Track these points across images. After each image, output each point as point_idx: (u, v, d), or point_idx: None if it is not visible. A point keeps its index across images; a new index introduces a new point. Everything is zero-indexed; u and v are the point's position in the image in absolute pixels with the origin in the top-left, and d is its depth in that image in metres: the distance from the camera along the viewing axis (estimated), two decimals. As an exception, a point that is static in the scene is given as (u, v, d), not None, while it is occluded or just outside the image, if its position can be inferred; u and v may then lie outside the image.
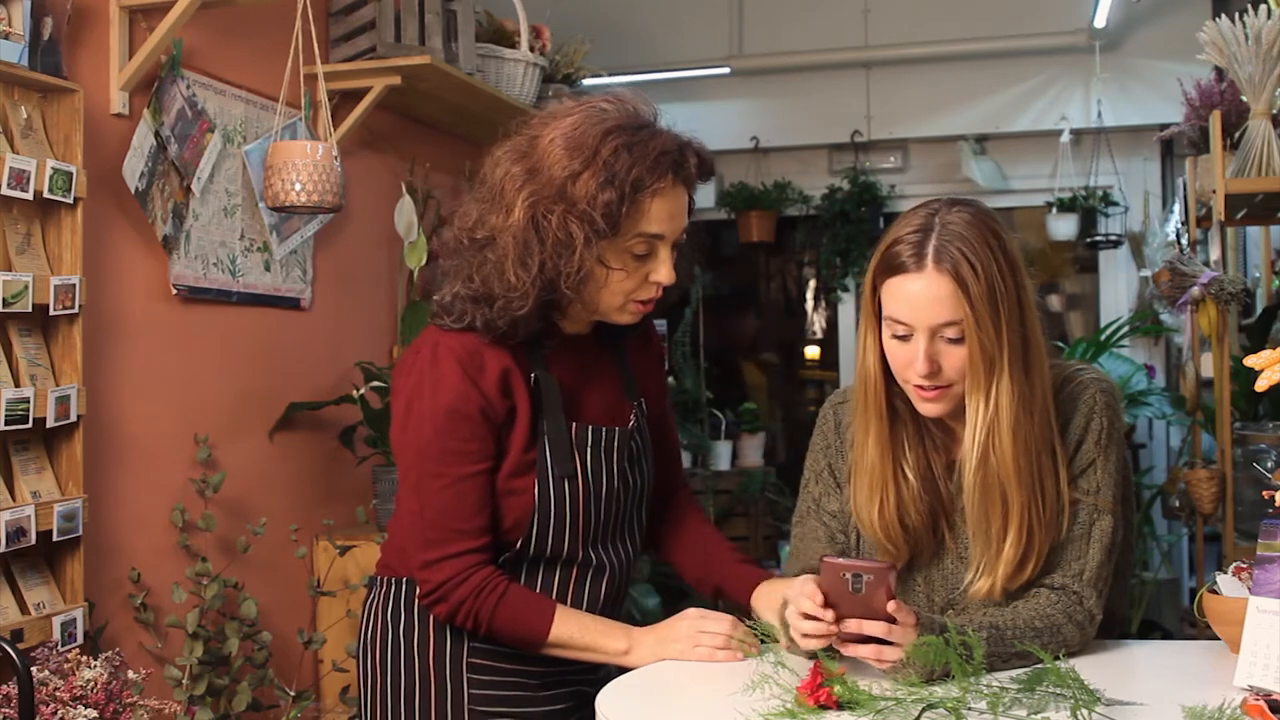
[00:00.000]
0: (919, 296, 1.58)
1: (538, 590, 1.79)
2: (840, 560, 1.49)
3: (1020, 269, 1.61)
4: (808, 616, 1.50)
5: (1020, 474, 1.60)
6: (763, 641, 1.67)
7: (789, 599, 1.54)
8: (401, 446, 1.76)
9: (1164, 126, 3.72)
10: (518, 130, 1.75)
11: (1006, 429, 1.59)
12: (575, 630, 1.73)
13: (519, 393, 1.74)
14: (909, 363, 1.61)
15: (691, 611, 1.76)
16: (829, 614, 1.48)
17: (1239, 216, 3.49)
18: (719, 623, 1.73)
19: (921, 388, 1.62)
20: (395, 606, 1.82)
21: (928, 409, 1.65)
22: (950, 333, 1.59)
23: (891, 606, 1.47)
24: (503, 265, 1.68)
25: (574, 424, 1.78)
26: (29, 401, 2.24)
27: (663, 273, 1.72)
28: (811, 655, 1.52)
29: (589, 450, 1.79)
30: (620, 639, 1.73)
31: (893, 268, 1.60)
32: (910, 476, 1.68)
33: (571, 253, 1.65)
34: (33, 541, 2.25)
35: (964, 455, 1.63)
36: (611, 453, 1.81)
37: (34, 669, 1.91)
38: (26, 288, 2.25)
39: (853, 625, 1.48)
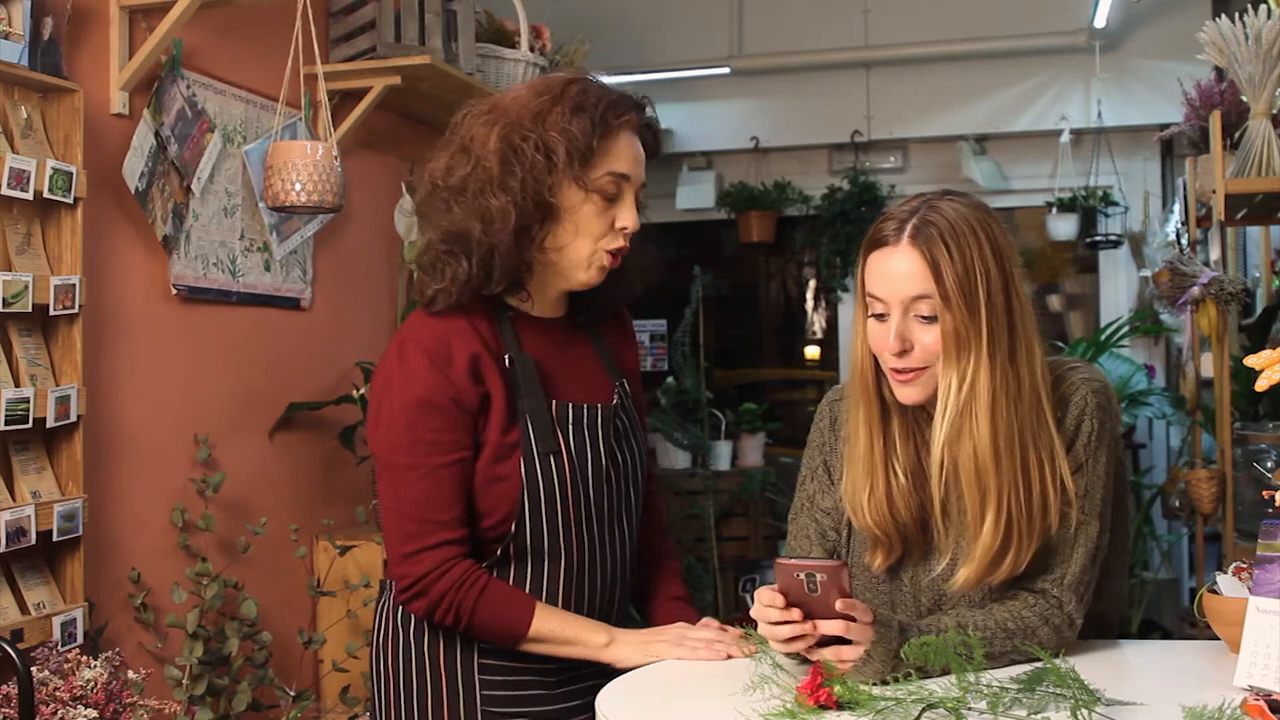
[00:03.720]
0: (892, 270, 1.60)
1: (529, 587, 1.77)
2: (793, 561, 1.49)
3: (1009, 260, 1.61)
4: (776, 621, 1.50)
5: (999, 459, 1.59)
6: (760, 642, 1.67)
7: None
8: (376, 444, 1.76)
9: (1164, 126, 3.72)
10: (473, 100, 1.81)
11: (984, 411, 1.58)
12: (556, 624, 1.72)
13: (491, 378, 1.74)
14: (884, 342, 1.61)
15: (680, 624, 1.79)
16: (795, 613, 1.48)
17: (1239, 216, 3.49)
18: (704, 630, 1.76)
19: (897, 371, 1.62)
20: (405, 611, 1.80)
21: (904, 394, 1.63)
22: (923, 309, 1.59)
23: (842, 605, 1.46)
24: (481, 196, 1.71)
25: (554, 402, 1.78)
26: (29, 401, 2.24)
27: (628, 217, 1.75)
28: (804, 660, 1.52)
29: (571, 427, 1.78)
30: (601, 633, 1.73)
31: (875, 243, 1.63)
32: (899, 472, 1.67)
33: (553, 168, 1.70)
34: (33, 541, 2.26)
35: (933, 432, 1.62)
36: (596, 429, 1.80)
37: (34, 669, 1.90)
38: (26, 288, 2.25)
39: (811, 627, 1.48)
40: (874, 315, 1.63)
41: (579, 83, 1.75)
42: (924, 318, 1.59)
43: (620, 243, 1.77)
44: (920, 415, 1.69)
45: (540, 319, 1.81)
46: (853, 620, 1.47)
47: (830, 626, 1.47)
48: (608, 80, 1.80)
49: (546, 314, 1.82)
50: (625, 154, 1.75)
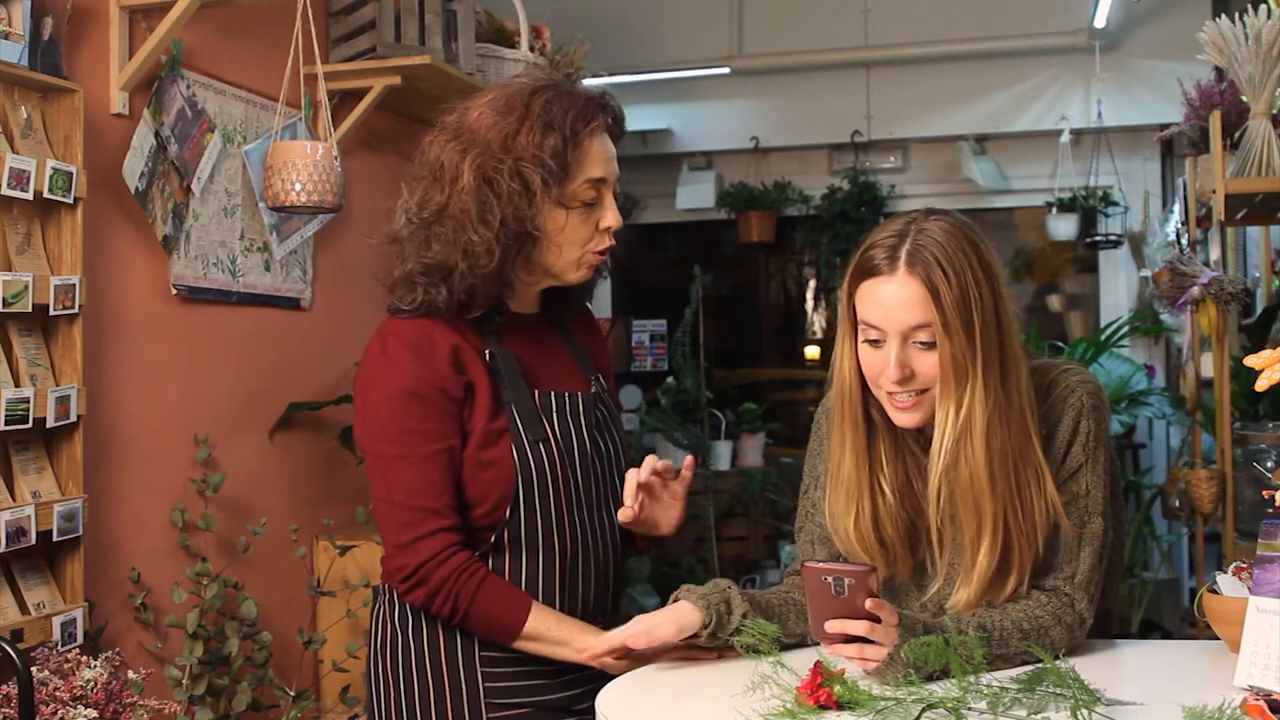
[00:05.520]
0: (890, 300, 1.57)
1: (524, 576, 1.78)
2: (822, 565, 1.50)
3: (997, 280, 1.60)
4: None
5: (994, 483, 1.59)
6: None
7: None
8: (364, 438, 1.78)
9: (1164, 126, 3.72)
10: (441, 120, 1.83)
11: (979, 436, 1.57)
12: (552, 622, 1.73)
13: (474, 368, 1.76)
14: (882, 369, 1.59)
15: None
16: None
17: (1239, 216, 3.49)
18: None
19: (895, 395, 1.61)
20: (402, 611, 1.81)
21: (903, 419, 1.62)
22: (922, 336, 1.57)
23: (871, 605, 1.46)
24: (461, 231, 1.72)
25: (536, 392, 1.80)
26: (29, 401, 2.24)
27: (610, 217, 1.79)
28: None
29: (555, 415, 1.81)
30: (595, 635, 1.73)
31: (867, 271, 1.60)
32: (887, 491, 1.66)
33: (531, 198, 1.71)
34: (33, 541, 2.26)
35: (931, 461, 1.62)
36: (579, 416, 1.83)
37: (34, 669, 1.90)
38: (26, 288, 2.25)
39: (836, 625, 1.48)
40: (868, 341, 1.61)
41: (543, 93, 1.75)
42: (923, 344, 1.58)
43: (608, 242, 1.80)
44: (907, 431, 1.69)
45: (516, 314, 1.85)
46: (878, 621, 1.47)
47: (856, 626, 1.47)
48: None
49: (523, 310, 1.86)
50: (598, 158, 1.77)
